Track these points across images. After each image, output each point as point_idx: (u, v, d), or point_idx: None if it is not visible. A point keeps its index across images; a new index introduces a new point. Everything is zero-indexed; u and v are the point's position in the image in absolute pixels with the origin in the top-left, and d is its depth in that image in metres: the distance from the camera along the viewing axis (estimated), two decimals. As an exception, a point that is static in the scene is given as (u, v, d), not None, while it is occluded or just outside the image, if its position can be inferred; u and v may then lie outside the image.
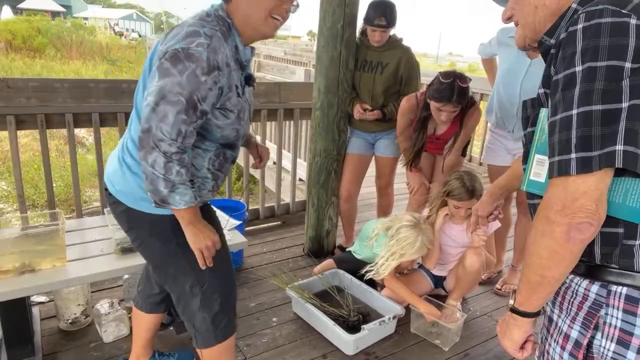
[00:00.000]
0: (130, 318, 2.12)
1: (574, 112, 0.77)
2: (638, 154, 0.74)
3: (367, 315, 2.26)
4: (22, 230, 1.82)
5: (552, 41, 0.92)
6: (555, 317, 0.95)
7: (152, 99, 1.19)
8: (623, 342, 0.80)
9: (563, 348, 0.91)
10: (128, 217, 1.42)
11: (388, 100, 2.62)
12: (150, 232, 1.41)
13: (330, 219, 2.91)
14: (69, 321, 2.08)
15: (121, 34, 31.29)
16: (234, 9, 1.31)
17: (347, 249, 2.72)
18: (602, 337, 0.84)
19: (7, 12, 24.75)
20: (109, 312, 2.03)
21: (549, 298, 0.90)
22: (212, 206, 1.67)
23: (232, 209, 2.75)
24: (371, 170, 2.93)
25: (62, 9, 36.41)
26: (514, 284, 2.61)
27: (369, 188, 3.19)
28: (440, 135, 2.51)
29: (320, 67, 2.62)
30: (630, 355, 0.80)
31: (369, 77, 2.59)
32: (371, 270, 2.28)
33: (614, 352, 0.82)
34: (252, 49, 1.40)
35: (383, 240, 2.28)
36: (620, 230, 0.81)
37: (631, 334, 0.80)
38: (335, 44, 2.52)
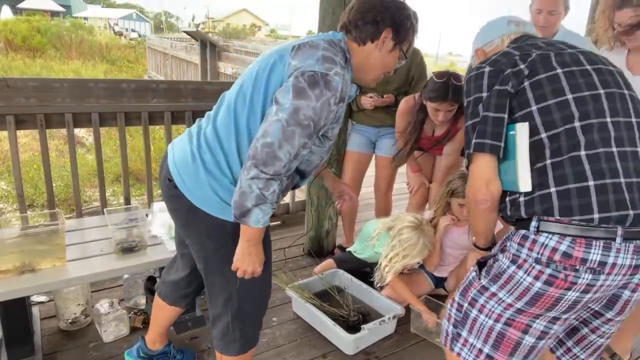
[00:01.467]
0: (130, 318, 2.12)
1: (464, 125, 1.29)
2: (484, 143, 1.20)
3: (367, 315, 2.26)
4: (22, 230, 1.82)
5: None
6: None
7: (284, 116, 1.20)
8: (513, 260, 1.21)
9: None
10: (188, 213, 1.39)
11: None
12: (208, 234, 1.39)
13: (330, 219, 2.91)
14: (69, 321, 2.08)
15: (121, 34, 31.27)
16: (360, 52, 1.36)
17: (347, 249, 2.72)
18: (503, 256, 1.24)
19: (6, 12, 24.72)
20: (109, 312, 2.03)
21: (489, 239, 1.43)
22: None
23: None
24: (371, 169, 2.93)
25: (61, 9, 36.40)
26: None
27: (369, 188, 3.19)
28: (439, 136, 2.50)
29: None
30: (513, 267, 1.20)
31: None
32: (377, 277, 2.27)
33: (506, 265, 1.22)
34: (356, 87, 1.45)
35: (385, 239, 2.27)
36: (517, 196, 1.21)
37: (518, 257, 1.20)
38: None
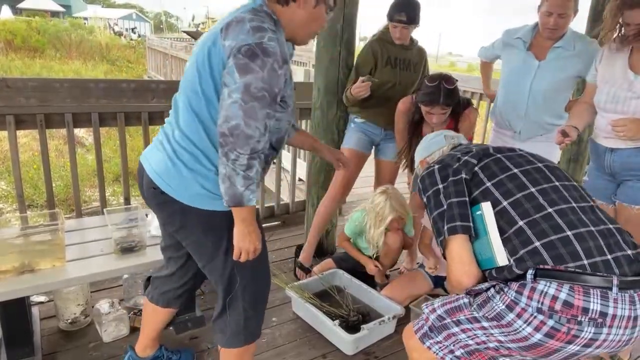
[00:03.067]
0: (130, 318, 2.12)
1: (431, 217, 1.40)
2: (455, 226, 1.29)
3: (366, 315, 2.26)
4: (22, 230, 1.82)
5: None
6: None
7: (238, 96, 1.21)
8: (509, 307, 1.19)
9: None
10: (182, 215, 1.40)
11: None
12: (204, 230, 1.41)
13: (330, 218, 2.91)
14: (69, 321, 2.08)
15: (121, 34, 31.24)
16: (284, 13, 1.36)
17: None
18: (499, 299, 1.22)
19: (6, 12, 24.71)
20: (109, 312, 2.03)
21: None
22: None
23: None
24: (370, 171, 2.92)
25: (61, 9, 36.38)
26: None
27: (369, 188, 3.19)
28: None
29: (320, 67, 2.61)
30: (511, 315, 1.18)
31: (406, 74, 2.56)
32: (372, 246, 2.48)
33: (501, 309, 1.21)
34: (292, 45, 1.47)
35: (357, 215, 2.54)
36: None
37: (517, 304, 1.18)
38: (334, 44, 2.52)
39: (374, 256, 2.56)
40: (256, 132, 1.22)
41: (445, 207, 1.33)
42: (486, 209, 1.29)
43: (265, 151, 1.35)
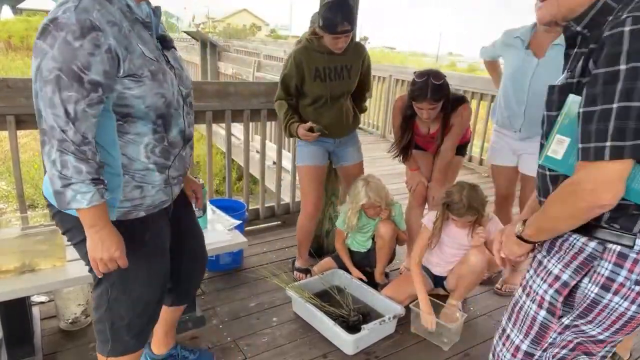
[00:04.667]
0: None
1: (614, 105, 0.87)
2: (624, 146, 0.87)
3: (367, 315, 2.26)
4: (22, 230, 1.83)
5: (578, 28, 1.03)
6: (545, 262, 1.15)
7: (34, 86, 1.08)
8: (605, 287, 1.02)
9: (550, 286, 1.12)
10: (60, 220, 1.33)
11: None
12: (79, 235, 1.29)
13: (330, 219, 2.91)
14: (69, 321, 2.09)
15: (121, 34, 31.13)
16: None
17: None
18: (589, 282, 1.05)
19: (6, 12, 24.72)
20: (109, 312, 2.03)
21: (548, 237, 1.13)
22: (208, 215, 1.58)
23: (232, 209, 2.75)
24: (373, 170, 2.92)
25: (61, 9, 36.42)
26: (514, 284, 2.60)
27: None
28: (434, 133, 2.51)
29: (320, 67, 2.60)
30: (609, 296, 1.02)
31: (337, 84, 2.39)
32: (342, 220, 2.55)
33: (596, 294, 1.04)
34: (150, 4, 1.25)
35: (345, 207, 2.57)
36: (631, 202, 0.97)
37: (613, 281, 1.01)
38: (335, 43, 2.51)
39: (369, 249, 2.57)
40: (57, 122, 1.05)
41: (618, 105, 0.87)
42: None
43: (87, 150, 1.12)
